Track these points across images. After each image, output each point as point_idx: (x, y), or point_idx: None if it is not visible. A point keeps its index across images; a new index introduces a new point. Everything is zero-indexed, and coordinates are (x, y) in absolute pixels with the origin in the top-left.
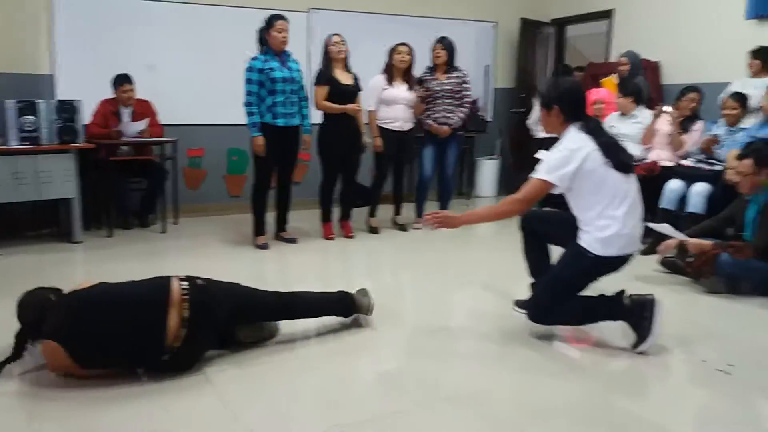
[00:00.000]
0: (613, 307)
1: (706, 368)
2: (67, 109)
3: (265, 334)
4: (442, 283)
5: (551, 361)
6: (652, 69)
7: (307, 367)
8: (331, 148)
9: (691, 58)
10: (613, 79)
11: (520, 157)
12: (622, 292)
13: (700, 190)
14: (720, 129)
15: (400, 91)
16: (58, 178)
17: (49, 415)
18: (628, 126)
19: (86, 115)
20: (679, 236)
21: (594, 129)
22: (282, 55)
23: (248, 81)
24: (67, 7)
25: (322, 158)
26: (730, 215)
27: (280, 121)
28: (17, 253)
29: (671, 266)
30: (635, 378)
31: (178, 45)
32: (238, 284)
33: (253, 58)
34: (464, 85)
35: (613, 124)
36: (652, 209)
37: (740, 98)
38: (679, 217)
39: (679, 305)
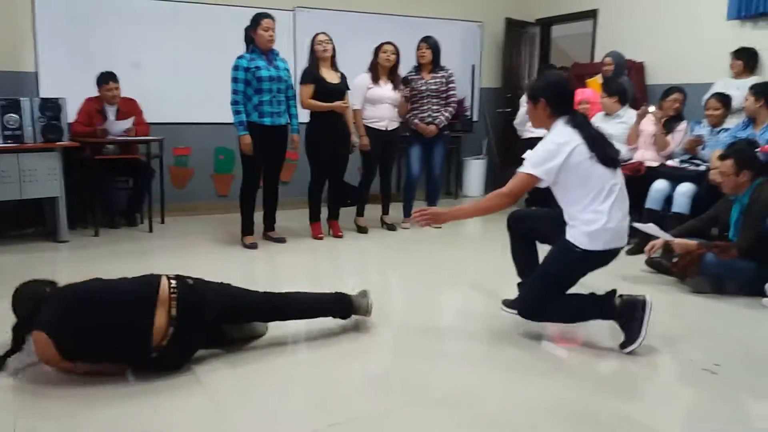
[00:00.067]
0: (604, 306)
1: (693, 368)
2: (51, 107)
3: (253, 332)
4: (431, 282)
5: (539, 361)
6: (636, 69)
7: (297, 367)
8: (319, 147)
9: (674, 58)
10: (597, 80)
11: (507, 157)
12: (613, 291)
13: (684, 190)
14: (703, 129)
15: (386, 90)
16: (43, 177)
17: (38, 414)
18: (613, 126)
19: (71, 114)
20: (665, 236)
21: (581, 123)
22: (269, 54)
23: (234, 80)
24: (48, 3)
25: (310, 157)
26: (715, 215)
27: (267, 120)
28: (2, 252)
29: (657, 266)
30: (623, 378)
31: (164, 43)
32: (228, 284)
33: (240, 57)
34: (450, 85)
35: (598, 124)
36: (637, 209)
37: (723, 99)
38: (664, 217)
39: (665, 305)
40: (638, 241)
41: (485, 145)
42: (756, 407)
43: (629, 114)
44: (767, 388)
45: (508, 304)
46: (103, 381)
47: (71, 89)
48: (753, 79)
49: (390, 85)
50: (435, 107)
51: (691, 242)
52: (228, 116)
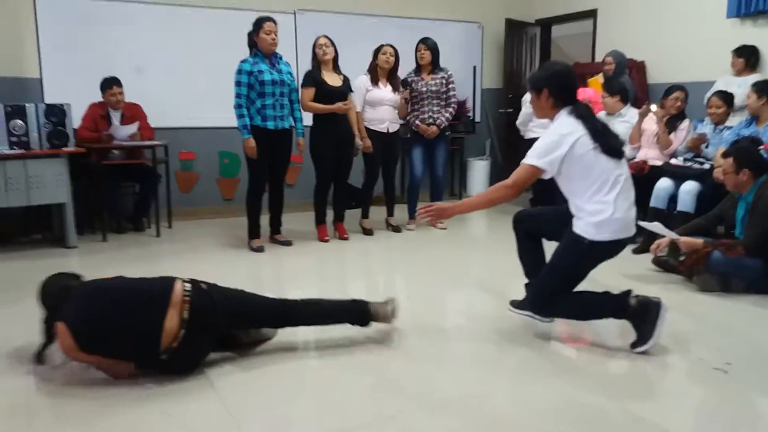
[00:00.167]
0: (619, 305)
1: (703, 367)
2: (56, 113)
3: (262, 336)
4: (438, 283)
5: (548, 362)
6: (637, 68)
7: (307, 370)
8: (323, 150)
9: (675, 57)
10: (598, 79)
11: (510, 157)
12: (629, 291)
13: (689, 188)
14: (706, 128)
15: (385, 92)
16: (50, 183)
17: (51, 416)
18: (616, 125)
19: (75, 119)
20: (671, 235)
21: (584, 113)
22: (272, 58)
23: (237, 84)
24: (51, 10)
25: (315, 161)
26: (720, 213)
27: (270, 124)
28: (10, 259)
29: (664, 265)
30: (633, 377)
31: (167, 47)
32: (242, 291)
33: (243, 61)
34: (450, 86)
35: None
36: (642, 208)
37: (725, 97)
38: (669, 215)
39: (673, 304)
40: (644, 240)
41: (488, 145)
42: None
43: (631, 113)
44: None
45: (515, 304)
46: (115, 384)
47: (75, 95)
48: (754, 77)
49: (389, 87)
50: (435, 108)
51: (697, 240)
52: (232, 120)
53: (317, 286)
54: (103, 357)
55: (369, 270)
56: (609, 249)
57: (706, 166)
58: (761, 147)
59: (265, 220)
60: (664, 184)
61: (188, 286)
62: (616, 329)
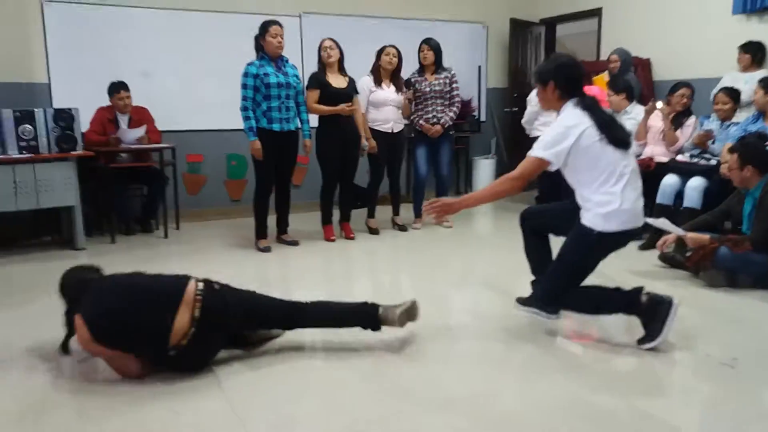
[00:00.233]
0: (630, 301)
1: (710, 362)
2: (65, 118)
3: (268, 335)
4: (444, 282)
5: (555, 359)
6: (642, 66)
7: (313, 370)
8: (329, 151)
9: (680, 54)
10: (604, 77)
11: (515, 156)
12: (641, 288)
13: (695, 185)
14: (713, 124)
15: (389, 93)
16: (59, 187)
17: (57, 418)
18: (622, 123)
19: (84, 123)
20: (677, 231)
21: (590, 105)
22: (278, 61)
23: (244, 86)
24: (58, 15)
25: (321, 161)
26: (727, 209)
27: (276, 126)
28: (20, 261)
29: (670, 261)
30: (640, 374)
31: (173, 51)
32: (253, 292)
33: (249, 64)
34: (453, 85)
35: None
36: (648, 205)
37: (732, 93)
38: (675, 212)
39: (680, 300)
40: (650, 237)
41: (494, 144)
42: None
43: (637, 110)
44: None
45: (521, 302)
46: (124, 383)
47: (83, 99)
48: (761, 73)
49: (393, 88)
50: (440, 108)
51: (704, 236)
52: (239, 122)
53: (324, 286)
54: (115, 351)
55: (375, 269)
56: (617, 240)
57: (713, 162)
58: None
59: (272, 220)
60: (670, 180)
61: (201, 285)
62: (622, 325)
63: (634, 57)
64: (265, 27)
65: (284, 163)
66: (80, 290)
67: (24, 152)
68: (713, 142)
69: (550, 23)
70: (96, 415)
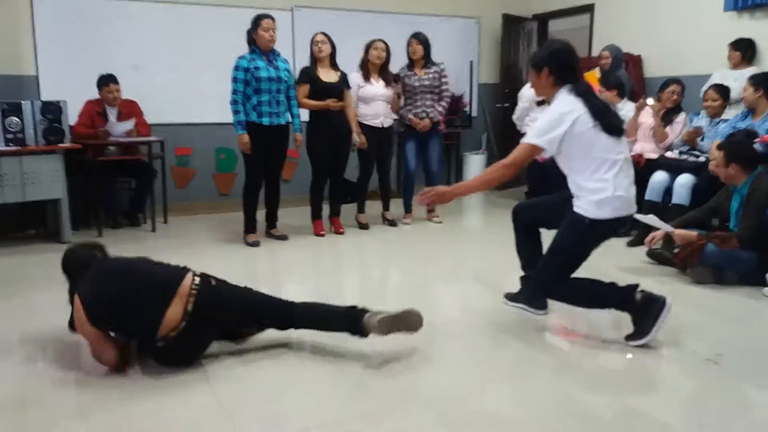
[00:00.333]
0: (624, 297)
1: (696, 359)
2: (53, 110)
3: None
4: (433, 277)
5: (543, 354)
6: (633, 62)
7: (302, 365)
8: (319, 145)
9: (672, 50)
10: (595, 73)
11: (506, 152)
12: (636, 285)
13: (684, 181)
14: (702, 121)
15: (378, 87)
16: (45, 179)
17: (41, 411)
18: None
19: (72, 116)
20: (665, 227)
21: (584, 92)
22: (269, 55)
23: (234, 79)
24: (47, 6)
25: (311, 156)
26: (715, 206)
27: (266, 120)
28: (5, 254)
29: (658, 257)
30: (627, 370)
31: (163, 44)
32: (250, 290)
33: (240, 57)
34: (443, 80)
35: None
36: (637, 201)
37: (721, 90)
38: (664, 208)
39: (667, 296)
40: (639, 233)
41: (484, 140)
42: (760, 397)
43: (628, 107)
44: None
45: (510, 297)
46: (110, 376)
47: (72, 92)
48: (750, 70)
49: (382, 83)
50: (429, 102)
51: (692, 233)
52: (229, 116)
53: (313, 281)
54: (102, 334)
55: (365, 264)
56: (610, 226)
57: (702, 159)
58: (757, 140)
59: (261, 214)
60: (659, 177)
61: (198, 279)
62: (609, 321)
63: (625, 53)
64: (256, 20)
65: (274, 158)
66: (82, 269)
67: (11, 144)
68: (702, 139)
69: (543, 19)
70: (81, 410)
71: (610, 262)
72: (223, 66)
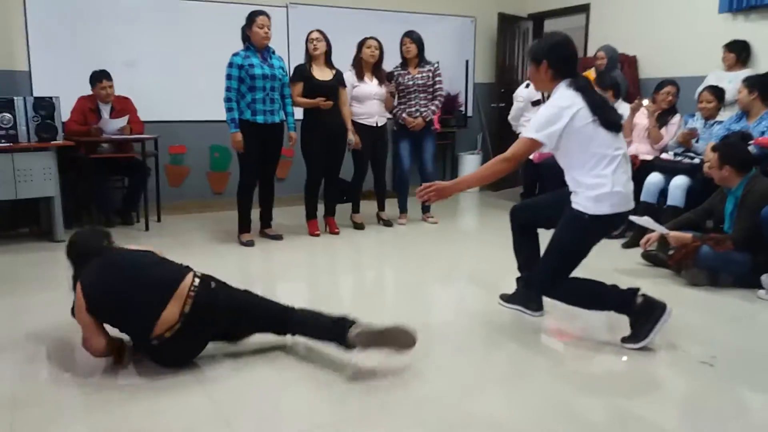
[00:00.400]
0: (625, 300)
1: (690, 360)
2: (45, 106)
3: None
4: (429, 277)
5: (538, 356)
6: (629, 63)
7: (296, 367)
8: (313, 144)
9: (667, 51)
10: (591, 74)
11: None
12: (637, 289)
13: (679, 183)
14: (697, 122)
15: (372, 86)
16: (38, 177)
17: (31, 413)
18: None
19: (64, 113)
20: (660, 229)
21: (583, 86)
22: (264, 52)
23: (228, 77)
24: (40, 1)
25: (305, 155)
26: (709, 208)
27: (260, 118)
28: None
29: (653, 259)
30: (622, 372)
31: (158, 40)
32: (249, 293)
33: (235, 54)
34: (437, 78)
35: None
36: (634, 200)
37: (716, 91)
38: (659, 210)
39: (661, 297)
40: (634, 235)
41: (480, 140)
42: (755, 399)
43: (623, 107)
44: (765, 380)
45: (505, 298)
46: (103, 378)
47: (65, 88)
48: (745, 72)
49: (375, 81)
50: (423, 102)
51: (687, 235)
52: (223, 113)
53: (308, 281)
54: (96, 323)
55: (360, 264)
56: (609, 222)
57: (696, 160)
58: (751, 142)
59: (255, 214)
60: (654, 178)
61: (198, 281)
62: (604, 323)
63: (620, 54)
64: (251, 17)
65: (268, 156)
66: (86, 256)
67: (2, 141)
68: (697, 141)
69: (538, 18)
70: (76, 411)
71: (605, 264)
72: (217, 63)
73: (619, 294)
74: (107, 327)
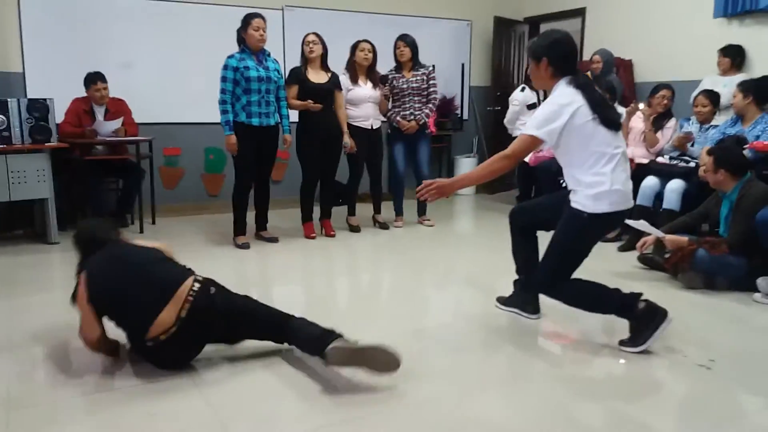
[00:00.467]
0: (627, 304)
1: (687, 364)
2: (39, 108)
3: None
4: (425, 280)
5: (536, 359)
6: (624, 67)
7: (293, 369)
8: (308, 146)
9: (662, 56)
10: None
11: None
12: (639, 294)
13: (675, 187)
14: (692, 126)
15: (366, 89)
16: (32, 179)
17: (26, 415)
18: None
19: (58, 114)
20: (656, 233)
21: (583, 84)
22: (259, 55)
23: (223, 79)
24: (35, 2)
25: (300, 158)
26: (705, 212)
27: (255, 121)
28: None
29: (649, 262)
30: (619, 376)
31: (153, 42)
32: (249, 300)
33: (230, 57)
34: (431, 82)
35: None
36: None
37: (711, 96)
38: (655, 213)
39: (658, 301)
40: (630, 238)
41: (475, 143)
42: (753, 402)
43: (619, 111)
44: (762, 383)
45: (502, 301)
46: (99, 380)
47: (59, 90)
48: (740, 76)
49: (369, 84)
50: (417, 105)
51: (682, 238)
52: (218, 116)
53: (303, 284)
54: (94, 314)
55: (356, 267)
56: (608, 220)
57: (692, 164)
58: (746, 146)
59: (251, 216)
60: (650, 182)
61: (197, 286)
62: (602, 326)
63: (616, 58)
64: (247, 20)
65: (264, 159)
66: (93, 246)
67: None
68: (692, 145)
69: (534, 22)
70: (72, 412)
71: (601, 267)
72: (212, 65)
73: (621, 298)
74: (106, 323)
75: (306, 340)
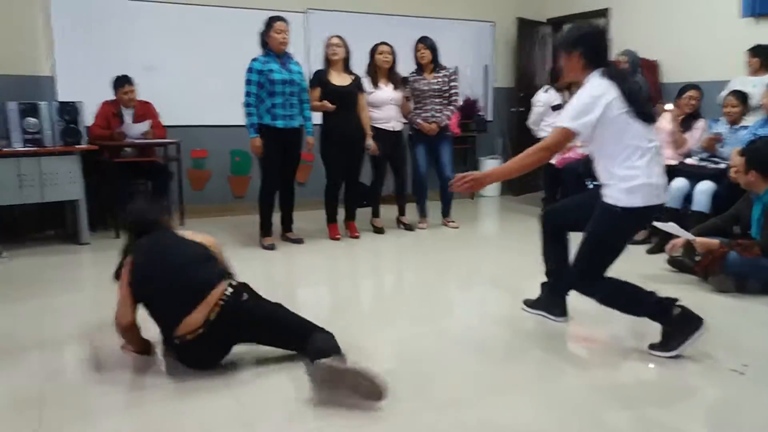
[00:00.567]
0: (662, 309)
1: (720, 369)
2: (69, 111)
3: None
4: (450, 282)
5: (562, 363)
6: (650, 68)
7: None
8: (332, 148)
9: (688, 56)
10: None
11: None
12: (675, 299)
13: (704, 188)
14: (722, 127)
15: (387, 92)
16: (63, 180)
17: (57, 413)
18: None
19: (88, 117)
20: (686, 235)
21: (616, 75)
22: (283, 57)
23: (248, 82)
24: (65, 8)
25: (324, 160)
26: (736, 214)
27: (280, 123)
28: (23, 255)
29: (679, 265)
30: (650, 380)
31: (178, 46)
32: (279, 309)
33: (254, 59)
34: (452, 83)
35: None
36: None
37: (740, 96)
38: (684, 215)
39: (688, 304)
40: (659, 240)
41: (500, 144)
42: None
43: None
44: None
45: (529, 304)
46: (129, 378)
47: (87, 93)
48: None
49: (390, 86)
50: (438, 107)
51: (713, 241)
52: (243, 118)
53: (329, 285)
54: (135, 302)
55: (380, 269)
56: (642, 215)
57: (722, 165)
58: None
59: (276, 218)
60: (679, 183)
61: (230, 291)
62: (630, 329)
63: (641, 58)
64: (269, 23)
65: (288, 160)
66: (142, 227)
67: (28, 145)
68: (722, 146)
69: (557, 23)
70: (100, 411)
71: (630, 270)
72: (237, 68)
73: (657, 302)
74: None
75: (312, 354)
